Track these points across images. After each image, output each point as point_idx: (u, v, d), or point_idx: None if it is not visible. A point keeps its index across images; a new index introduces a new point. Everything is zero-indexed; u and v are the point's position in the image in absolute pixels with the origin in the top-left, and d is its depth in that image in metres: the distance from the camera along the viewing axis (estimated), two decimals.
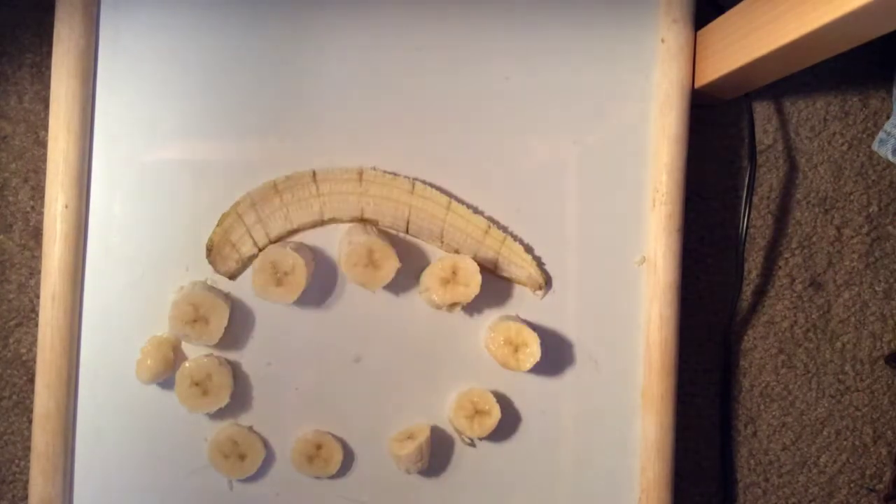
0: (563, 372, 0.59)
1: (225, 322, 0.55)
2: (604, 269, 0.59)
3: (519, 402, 0.59)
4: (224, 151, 0.57)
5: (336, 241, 0.58)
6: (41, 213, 0.63)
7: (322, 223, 0.57)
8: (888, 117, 0.67)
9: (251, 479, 0.58)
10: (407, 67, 0.59)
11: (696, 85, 0.59)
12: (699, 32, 0.59)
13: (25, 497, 0.64)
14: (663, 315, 0.58)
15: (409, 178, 0.57)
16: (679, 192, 0.59)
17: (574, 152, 0.59)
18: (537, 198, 0.59)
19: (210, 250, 0.57)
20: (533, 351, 0.56)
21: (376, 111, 0.58)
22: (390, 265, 0.54)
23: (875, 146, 0.62)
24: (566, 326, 0.59)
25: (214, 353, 0.57)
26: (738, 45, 0.53)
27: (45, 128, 0.57)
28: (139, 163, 0.58)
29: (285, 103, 0.58)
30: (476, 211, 0.58)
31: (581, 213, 0.59)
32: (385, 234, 0.57)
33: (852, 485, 0.67)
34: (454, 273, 0.55)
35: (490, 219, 0.58)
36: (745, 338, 0.67)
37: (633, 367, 0.59)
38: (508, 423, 0.59)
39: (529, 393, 0.59)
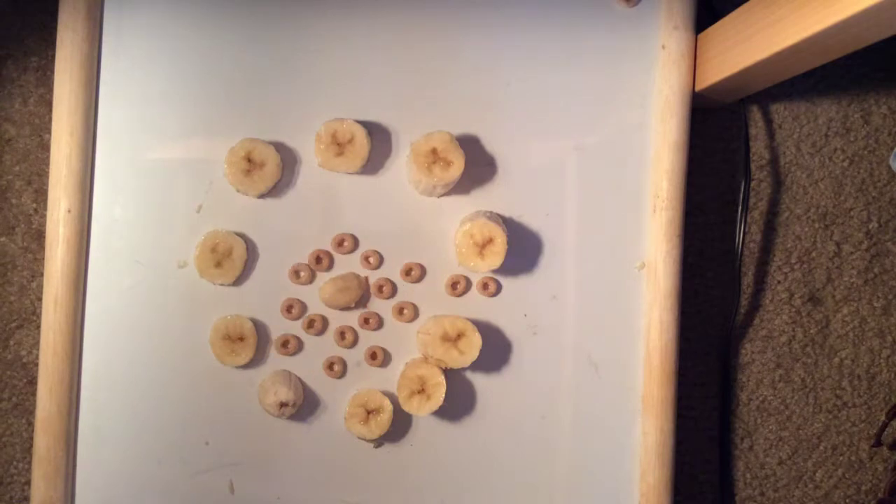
0: (563, 376, 0.59)
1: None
2: (604, 274, 0.59)
3: (519, 407, 0.59)
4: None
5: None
6: (44, 216, 0.63)
7: None
8: (890, 133, 0.67)
9: (252, 481, 0.59)
10: (406, 71, 0.59)
11: (696, 88, 0.60)
12: (699, 36, 0.59)
13: (23, 499, 0.64)
14: (663, 320, 0.59)
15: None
16: (679, 198, 0.59)
17: (575, 157, 0.59)
18: (538, 202, 0.59)
19: None
20: (498, 248, 0.56)
21: (377, 114, 0.59)
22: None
23: (891, 161, 0.63)
24: (566, 331, 0.59)
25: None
26: (737, 49, 0.54)
27: (49, 131, 0.57)
28: (142, 166, 0.58)
29: (287, 104, 0.58)
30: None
31: (581, 218, 0.59)
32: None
33: (848, 500, 0.67)
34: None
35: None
36: (743, 352, 0.67)
37: (633, 372, 0.59)
38: (509, 427, 0.59)
39: (529, 397, 0.59)
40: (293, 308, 0.58)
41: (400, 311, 0.59)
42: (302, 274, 0.58)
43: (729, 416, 0.67)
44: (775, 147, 0.67)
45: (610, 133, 0.60)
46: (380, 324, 0.59)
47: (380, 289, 0.59)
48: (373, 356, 0.58)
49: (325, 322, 0.59)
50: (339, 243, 0.58)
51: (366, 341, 0.59)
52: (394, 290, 0.59)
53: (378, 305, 0.59)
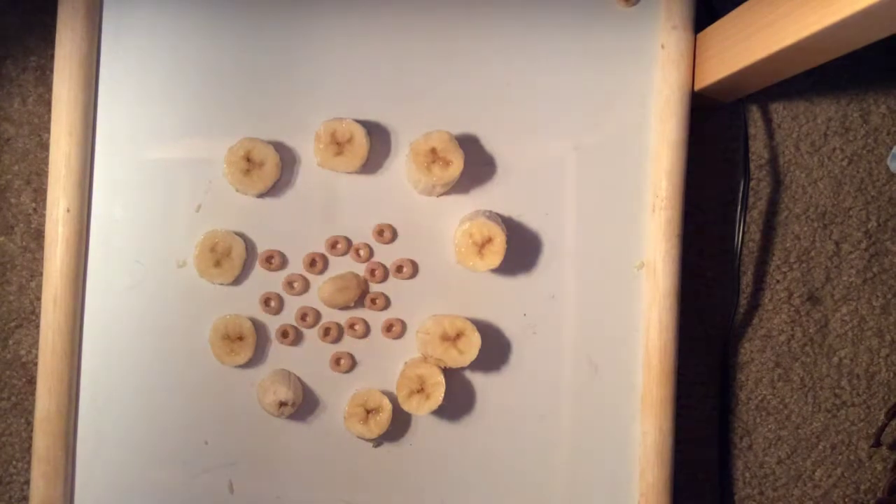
0: (563, 376, 0.60)
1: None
2: (603, 274, 0.59)
3: (518, 406, 0.59)
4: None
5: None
6: (43, 216, 0.63)
7: None
8: (888, 133, 0.67)
9: (252, 481, 0.59)
10: (406, 71, 0.59)
11: (695, 88, 0.60)
12: (698, 36, 0.59)
13: (23, 498, 0.64)
14: (663, 320, 0.59)
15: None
16: (679, 197, 0.59)
17: (574, 157, 0.59)
18: (538, 202, 0.59)
19: None
20: (497, 248, 0.56)
21: (376, 114, 0.59)
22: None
23: (889, 161, 0.63)
24: (566, 330, 0.59)
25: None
26: (736, 49, 0.54)
27: (49, 130, 0.57)
28: (141, 165, 0.58)
29: (286, 103, 0.58)
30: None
31: (581, 218, 0.59)
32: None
33: (847, 500, 0.67)
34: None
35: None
36: (742, 351, 0.67)
37: (632, 372, 0.60)
38: (508, 426, 0.59)
39: (529, 396, 0.59)
40: (289, 308, 0.58)
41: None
42: (310, 266, 0.58)
43: (728, 415, 0.67)
44: (774, 146, 0.67)
45: (609, 133, 0.60)
46: (378, 318, 0.59)
47: (372, 275, 0.59)
48: (389, 328, 0.59)
49: (317, 317, 0.59)
50: (333, 245, 0.58)
51: (368, 335, 0.59)
52: (386, 276, 0.59)
53: (375, 303, 0.59)
